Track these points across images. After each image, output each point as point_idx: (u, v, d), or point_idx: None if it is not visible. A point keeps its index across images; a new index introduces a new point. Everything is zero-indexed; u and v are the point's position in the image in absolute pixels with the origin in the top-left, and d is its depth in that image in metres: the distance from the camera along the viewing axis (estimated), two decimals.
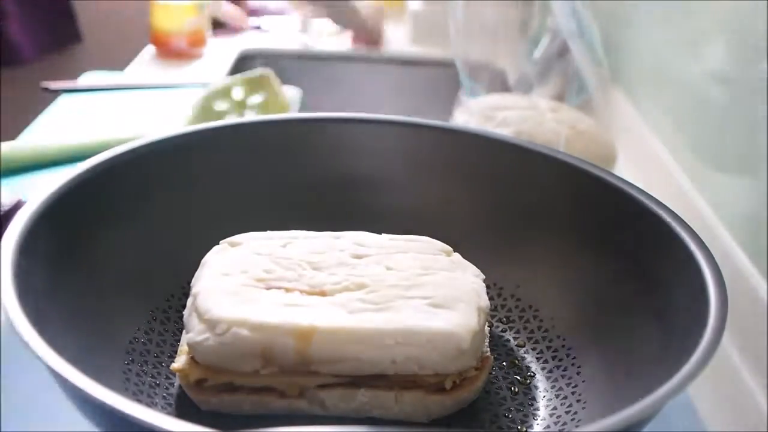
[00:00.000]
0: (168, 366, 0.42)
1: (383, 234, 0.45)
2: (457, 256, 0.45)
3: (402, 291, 0.40)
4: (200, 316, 0.38)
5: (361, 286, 0.40)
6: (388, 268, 0.42)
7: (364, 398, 0.39)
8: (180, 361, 0.40)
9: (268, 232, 0.45)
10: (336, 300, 0.39)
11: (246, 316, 0.38)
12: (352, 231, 0.45)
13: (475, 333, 0.39)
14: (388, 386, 0.39)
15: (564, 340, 0.45)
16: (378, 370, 0.38)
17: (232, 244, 0.44)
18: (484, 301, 0.41)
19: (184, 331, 0.41)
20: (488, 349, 0.43)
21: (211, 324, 0.38)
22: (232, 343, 0.37)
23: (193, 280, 0.42)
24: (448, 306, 0.39)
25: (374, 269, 0.42)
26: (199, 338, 0.38)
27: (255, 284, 0.40)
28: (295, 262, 0.42)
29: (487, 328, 0.43)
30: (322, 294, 0.40)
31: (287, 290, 0.40)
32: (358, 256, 0.43)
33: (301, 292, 0.40)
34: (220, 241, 0.44)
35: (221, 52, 1.09)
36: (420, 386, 0.39)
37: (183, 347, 0.41)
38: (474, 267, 0.44)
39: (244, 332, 0.37)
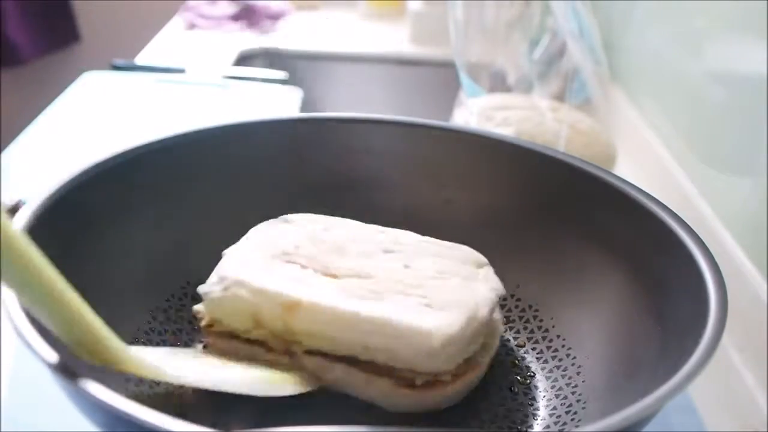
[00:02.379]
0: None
1: (427, 237, 0.46)
2: (487, 269, 0.44)
3: (405, 288, 0.41)
4: (217, 271, 0.42)
5: (369, 276, 0.42)
6: (406, 267, 0.43)
7: (340, 374, 0.40)
8: (200, 305, 0.43)
9: (321, 216, 0.47)
10: (340, 284, 0.41)
11: (248, 279, 0.40)
12: (398, 229, 0.47)
13: (449, 338, 0.38)
14: (362, 369, 0.40)
15: (564, 340, 0.45)
16: (352, 352, 0.39)
17: (286, 221, 0.46)
18: (482, 314, 0.40)
19: None
20: (481, 361, 0.42)
21: (221, 279, 0.41)
22: (230, 299, 0.40)
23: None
24: (440, 308, 0.40)
25: (392, 265, 0.43)
26: (207, 288, 0.41)
27: (278, 256, 0.42)
28: (326, 245, 0.44)
29: (496, 342, 0.43)
30: (333, 277, 0.41)
31: (303, 267, 0.42)
32: (388, 251, 0.44)
33: (315, 271, 0.42)
34: (279, 216, 0.47)
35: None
36: (391, 376, 0.39)
37: None
38: (498, 282, 0.43)
39: (242, 292, 0.40)
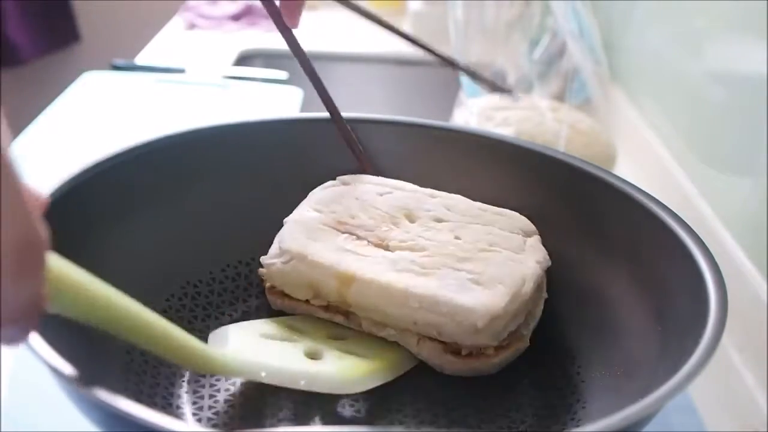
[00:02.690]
0: (168, 366, 0.42)
1: (478, 203, 0.48)
2: (535, 239, 0.46)
3: (455, 261, 0.42)
4: (278, 240, 0.45)
5: (421, 249, 0.43)
6: (457, 237, 0.45)
7: (392, 332, 0.42)
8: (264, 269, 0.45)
9: (379, 177, 0.49)
10: (393, 257, 0.43)
11: (307, 253, 0.43)
12: (448, 192, 0.48)
13: (495, 316, 0.40)
14: (413, 332, 0.42)
15: (564, 340, 0.45)
16: (402, 326, 0.42)
17: (343, 183, 0.49)
18: (527, 288, 0.42)
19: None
20: (526, 333, 0.43)
21: (282, 252, 0.44)
22: (291, 272, 0.43)
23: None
24: (486, 285, 0.41)
25: (443, 236, 0.45)
26: (270, 261, 0.45)
27: (335, 226, 0.45)
28: (381, 213, 0.46)
29: (539, 312, 0.44)
30: (386, 249, 0.44)
31: (358, 237, 0.44)
32: (439, 220, 0.46)
33: (369, 242, 0.44)
34: (337, 178, 0.49)
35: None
36: (440, 342, 0.41)
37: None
38: (544, 253, 0.45)
39: (301, 266, 0.43)
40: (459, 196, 0.48)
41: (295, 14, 0.47)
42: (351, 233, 0.44)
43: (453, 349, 0.41)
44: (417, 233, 0.45)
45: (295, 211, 0.46)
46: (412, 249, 0.43)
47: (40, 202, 0.28)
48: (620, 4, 0.95)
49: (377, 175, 0.50)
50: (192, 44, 1.14)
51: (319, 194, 0.48)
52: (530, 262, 0.43)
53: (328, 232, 0.44)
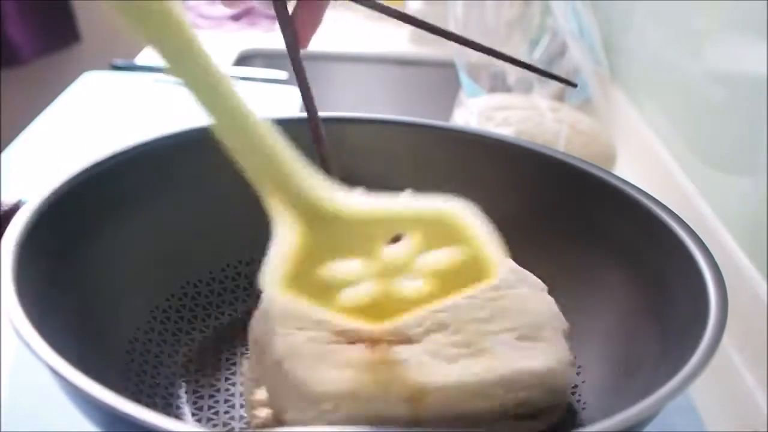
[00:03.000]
0: (168, 366, 0.42)
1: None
2: (511, 263, 0.43)
3: (484, 325, 0.38)
4: (297, 389, 0.34)
5: (443, 325, 0.37)
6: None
7: None
8: (260, 416, 0.36)
9: None
10: (428, 348, 0.36)
11: (357, 390, 0.33)
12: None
13: (572, 362, 0.38)
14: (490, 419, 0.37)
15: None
16: (485, 417, 0.36)
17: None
18: (565, 324, 0.40)
19: (254, 382, 0.38)
20: None
21: (314, 400, 0.33)
22: (343, 420, 0.33)
23: (257, 334, 0.38)
24: (535, 336, 0.38)
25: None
26: (303, 417, 0.33)
27: (337, 339, 0.36)
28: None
29: None
30: (409, 342, 0.36)
31: (372, 342, 0.36)
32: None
33: (388, 342, 0.36)
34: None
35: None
36: (508, 417, 0.37)
37: (256, 398, 0.37)
38: (533, 277, 0.43)
39: (356, 407, 0.33)
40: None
41: (309, 34, 0.44)
42: (360, 341, 0.36)
43: (528, 414, 0.37)
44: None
45: (275, 343, 0.36)
46: (436, 330, 0.37)
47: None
48: (620, 4, 0.95)
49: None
50: None
51: (275, 309, 0.38)
52: (539, 294, 0.41)
53: (339, 351, 0.35)
